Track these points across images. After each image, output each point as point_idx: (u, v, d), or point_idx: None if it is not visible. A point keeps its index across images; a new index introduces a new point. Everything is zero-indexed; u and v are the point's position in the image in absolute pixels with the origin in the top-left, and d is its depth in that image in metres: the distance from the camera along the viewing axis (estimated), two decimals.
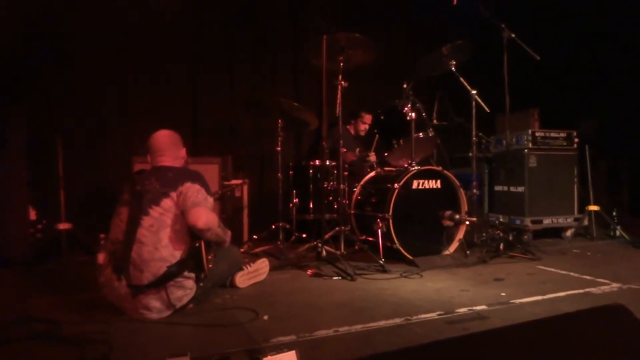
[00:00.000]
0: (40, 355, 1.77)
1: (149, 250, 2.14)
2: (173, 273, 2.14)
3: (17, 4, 3.55)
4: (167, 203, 2.22)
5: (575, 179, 4.59)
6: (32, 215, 3.53)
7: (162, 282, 2.12)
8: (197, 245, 2.22)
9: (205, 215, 2.18)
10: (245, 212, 4.19)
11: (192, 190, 2.25)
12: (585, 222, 4.52)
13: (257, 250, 3.82)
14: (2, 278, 3.09)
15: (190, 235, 2.24)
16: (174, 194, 2.24)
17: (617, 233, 4.40)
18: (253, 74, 5.00)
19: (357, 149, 4.74)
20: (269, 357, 1.57)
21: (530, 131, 4.43)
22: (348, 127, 4.83)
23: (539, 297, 2.50)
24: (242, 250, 3.73)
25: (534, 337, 0.83)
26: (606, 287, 2.70)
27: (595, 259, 3.61)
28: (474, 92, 3.86)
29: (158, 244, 2.16)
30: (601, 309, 0.92)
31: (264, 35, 5.04)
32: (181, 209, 2.22)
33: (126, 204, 2.29)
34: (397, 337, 1.92)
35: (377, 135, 4.60)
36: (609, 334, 0.85)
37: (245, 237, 4.14)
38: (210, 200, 2.34)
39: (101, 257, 2.73)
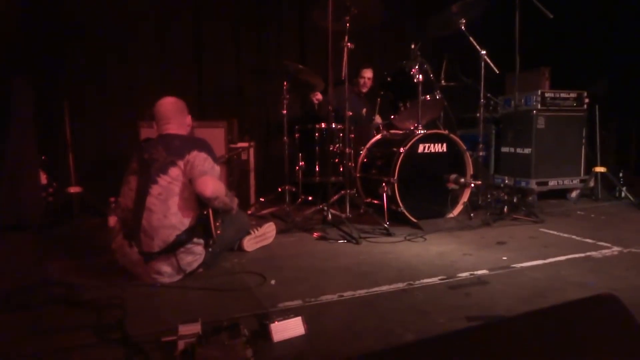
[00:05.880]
0: (60, 319, 1.86)
1: (159, 218, 2.19)
2: (183, 240, 2.21)
3: None
4: (174, 172, 2.26)
5: (584, 140, 4.55)
6: (43, 179, 3.58)
7: (172, 249, 2.19)
8: (205, 213, 2.27)
9: (212, 184, 2.22)
10: (252, 174, 4.23)
11: (199, 159, 2.28)
12: (591, 184, 4.52)
13: (264, 212, 3.90)
14: (18, 242, 3.20)
15: (198, 202, 2.28)
16: (181, 163, 2.27)
17: (623, 194, 4.42)
18: (259, 35, 4.90)
19: (364, 110, 4.71)
20: (276, 322, 1.65)
21: (539, 92, 4.36)
22: (354, 87, 4.76)
23: (540, 262, 2.55)
24: (249, 212, 3.81)
25: (522, 332, 0.86)
26: (607, 251, 2.75)
27: (599, 222, 3.64)
28: (483, 52, 3.77)
29: (167, 211, 2.21)
30: (591, 300, 0.95)
31: None
32: (189, 178, 2.25)
33: (135, 173, 2.33)
34: (400, 303, 1.99)
35: (379, 98, 4.56)
36: (599, 325, 0.88)
37: (252, 199, 4.20)
38: (217, 168, 2.37)
39: (112, 221, 2.81)
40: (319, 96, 4.39)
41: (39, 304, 1.98)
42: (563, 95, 4.44)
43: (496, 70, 3.76)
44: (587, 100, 4.52)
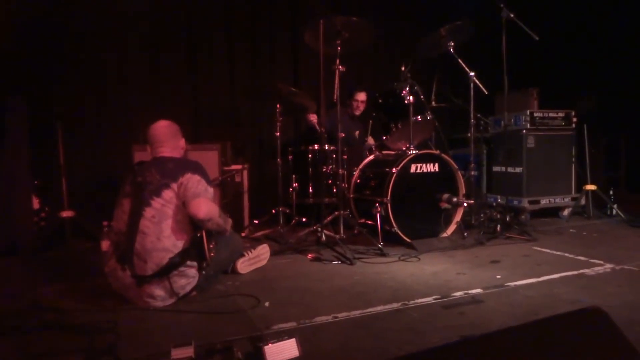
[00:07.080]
0: (51, 344, 1.83)
1: (152, 240, 2.19)
2: (176, 263, 2.20)
3: None
4: (168, 194, 2.26)
5: (573, 159, 4.61)
6: (35, 203, 3.57)
7: (165, 272, 2.18)
8: (198, 235, 2.27)
9: (205, 206, 2.23)
10: (246, 196, 4.24)
11: (192, 181, 2.29)
12: (583, 202, 4.56)
13: (258, 234, 3.89)
14: (10, 266, 3.17)
15: (191, 224, 2.28)
16: (174, 185, 2.28)
17: (614, 212, 4.46)
18: (252, 59, 4.97)
19: (357, 132, 4.76)
20: (270, 344, 1.64)
21: (528, 112, 4.44)
22: (347, 109, 4.82)
23: (534, 280, 2.56)
24: (243, 234, 3.80)
25: (510, 345, 0.87)
26: (600, 268, 2.76)
27: (591, 239, 3.67)
28: (472, 73, 3.86)
29: (160, 234, 2.20)
30: (578, 313, 0.97)
31: (263, 20, 4.99)
32: (182, 200, 2.26)
33: (128, 195, 2.33)
34: (394, 323, 1.98)
35: (371, 120, 4.62)
36: (586, 338, 0.89)
37: (246, 221, 4.19)
38: (211, 190, 2.38)
39: (104, 245, 2.79)
40: (315, 117, 4.41)
41: (31, 329, 1.96)
42: (551, 114, 4.52)
43: (485, 91, 3.84)
44: (575, 119, 4.60)
